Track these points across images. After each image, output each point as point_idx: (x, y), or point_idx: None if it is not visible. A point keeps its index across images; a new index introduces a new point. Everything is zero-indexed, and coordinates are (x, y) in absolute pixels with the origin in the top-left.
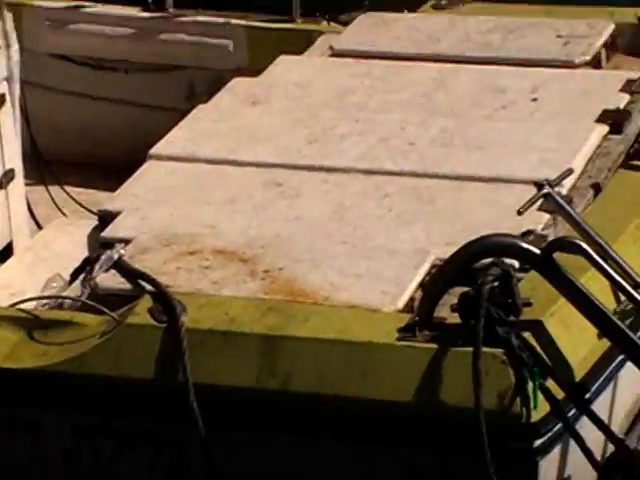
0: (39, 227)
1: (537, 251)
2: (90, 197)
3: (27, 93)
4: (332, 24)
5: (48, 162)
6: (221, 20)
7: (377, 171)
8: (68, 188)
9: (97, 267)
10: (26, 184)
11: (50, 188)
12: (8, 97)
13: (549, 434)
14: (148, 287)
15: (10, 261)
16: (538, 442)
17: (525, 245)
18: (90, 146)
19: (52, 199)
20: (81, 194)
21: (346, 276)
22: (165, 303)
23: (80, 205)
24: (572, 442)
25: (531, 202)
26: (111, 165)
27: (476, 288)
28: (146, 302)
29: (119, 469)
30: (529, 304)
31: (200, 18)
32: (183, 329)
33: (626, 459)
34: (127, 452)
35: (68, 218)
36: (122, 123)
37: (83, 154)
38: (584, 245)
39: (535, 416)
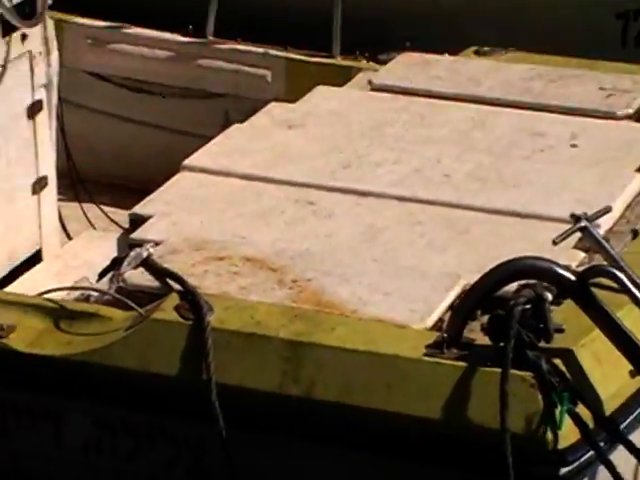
0: (70, 239)
1: (572, 277)
2: (122, 217)
3: (64, 110)
4: (371, 63)
5: (82, 180)
6: (260, 50)
7: (410, 198)
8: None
9: (125, 263)
10: (59, 199)
11: (83, 205)
12: (45, 104)
13: (576, 463)
14: (176, 286)
15: (39, 267)
16: (564, 470)
17: (560, 270)
18: (124, 168)
19: (85, 215)
20: (114, 214)
21: (375, 292)
22: (192, 301)
23: (112, 221)
24: (599, 473)
25: (567, 233)
26: (144, 188)
27: (507, 309)
28: (173, 300)
29: (138, 466)
30: (561, 330)
31: (240, 47)
32: (209, 328)
33: None
34: (146, 449)
35: (98, 231)
36: (157, 147)
37: (117, 175)
38: (620, 274)
39: (562, 443)
